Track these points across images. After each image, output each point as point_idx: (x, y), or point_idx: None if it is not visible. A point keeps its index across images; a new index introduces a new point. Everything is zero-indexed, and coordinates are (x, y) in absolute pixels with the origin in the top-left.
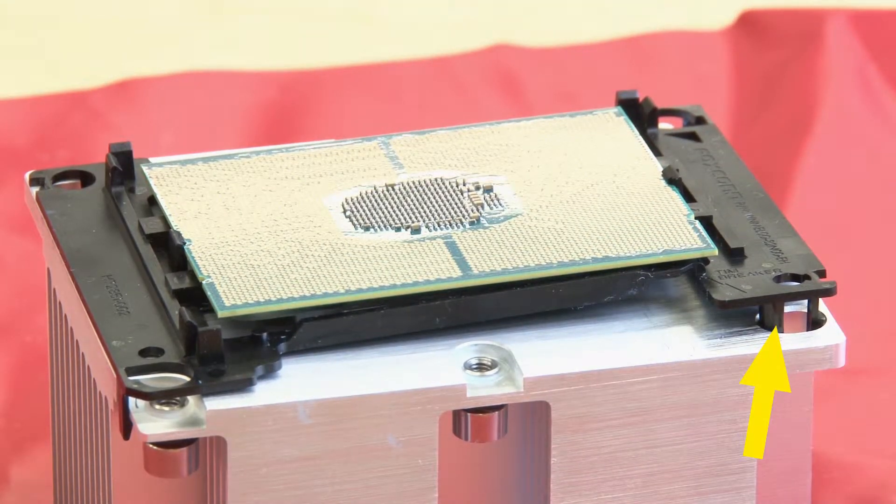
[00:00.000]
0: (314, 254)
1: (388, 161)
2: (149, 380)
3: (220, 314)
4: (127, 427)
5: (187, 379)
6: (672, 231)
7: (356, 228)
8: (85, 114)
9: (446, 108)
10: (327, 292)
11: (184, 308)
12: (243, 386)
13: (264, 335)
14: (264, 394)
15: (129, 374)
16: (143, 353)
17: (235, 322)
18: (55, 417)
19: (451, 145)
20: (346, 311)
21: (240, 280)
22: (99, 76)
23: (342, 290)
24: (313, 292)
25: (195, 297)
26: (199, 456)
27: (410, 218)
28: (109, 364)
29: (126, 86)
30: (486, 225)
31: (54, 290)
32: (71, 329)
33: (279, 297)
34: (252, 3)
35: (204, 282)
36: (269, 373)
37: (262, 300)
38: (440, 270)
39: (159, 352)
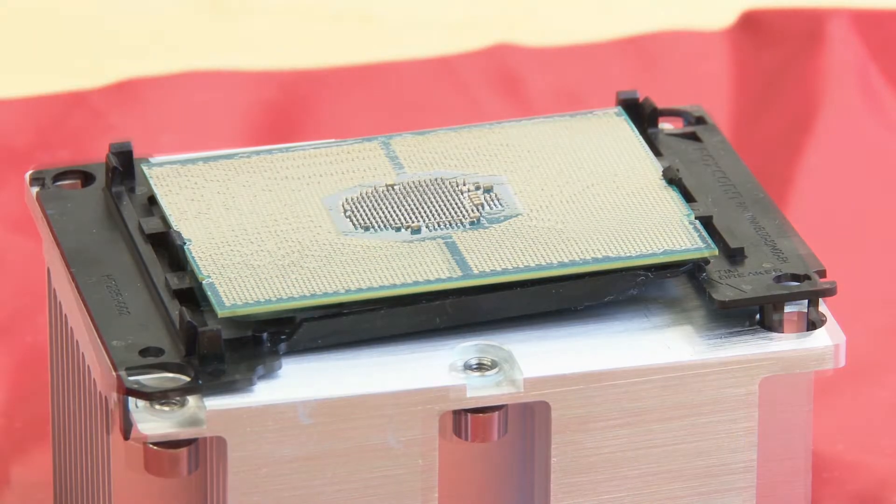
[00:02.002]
0: (314, 254)
1: (388, 161)
2: (149, 380)
3: (220, 314)
4: (127, 427)
5: (187, 379)
6: (672, 231)
7: (356, 228)
8: (85, 114)
9: (446, 108)
10: (327, 292)
11: (184, 308)
12: (243, 386)
13: (264, 335)
14: (264, 394)
15: (129, 374)
16: (143, 353)
17: (235, 322)
18: (55, 417)
19: (452, 145)
20: (346, 311)
21: (240, 280)
22: (99, 76)
23: (342, 290)
24: (313, 292)
25: (195, 297)
26: (199, 456)
27: (410, 218)
28: (109, 364)
29: (126, 86)
30: (486, 225)
31: (54, 290)
32: (71, 329)
33: (279, 297)
34: (252, 3)
35: (204, 282)
36: (269, 373)
37: (262, 300)
38: (440, 270)
39: (159, 352)
